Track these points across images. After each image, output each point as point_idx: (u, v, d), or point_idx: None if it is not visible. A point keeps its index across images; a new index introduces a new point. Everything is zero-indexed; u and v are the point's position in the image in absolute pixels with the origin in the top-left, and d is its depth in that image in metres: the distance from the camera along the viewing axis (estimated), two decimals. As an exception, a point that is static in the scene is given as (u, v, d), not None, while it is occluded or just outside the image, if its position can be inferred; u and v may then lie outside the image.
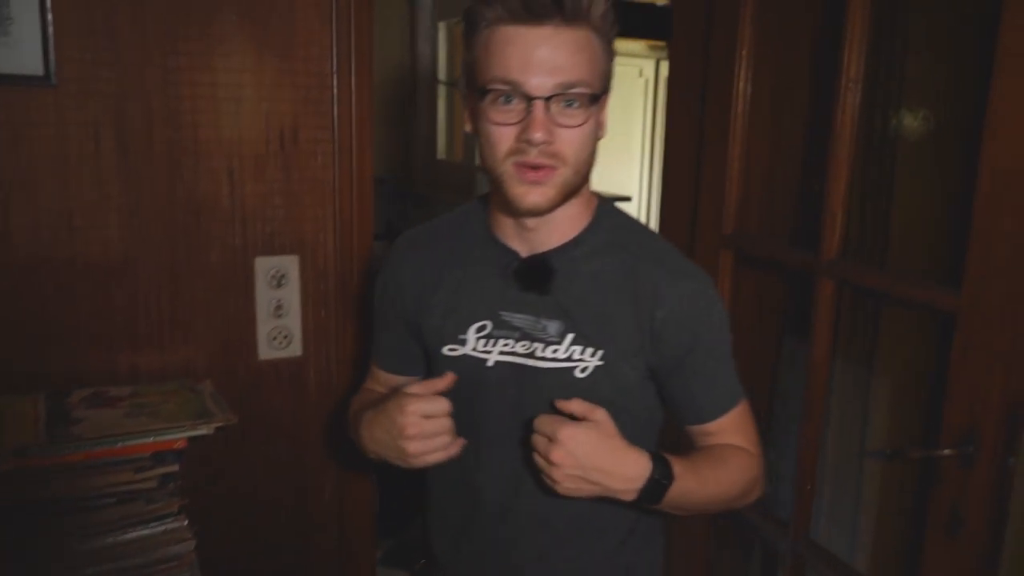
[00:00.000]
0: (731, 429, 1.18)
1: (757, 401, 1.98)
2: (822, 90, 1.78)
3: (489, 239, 1.15)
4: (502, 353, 1.13)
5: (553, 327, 1.11)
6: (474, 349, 1.14)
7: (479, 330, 1.14)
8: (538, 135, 0.97)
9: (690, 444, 1.21)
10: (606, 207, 1.16)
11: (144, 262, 1.45)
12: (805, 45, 1.84)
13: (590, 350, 1.10)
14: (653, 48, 5.14)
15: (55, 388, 1.39)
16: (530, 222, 1.09)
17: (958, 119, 1.51)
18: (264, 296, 1.55)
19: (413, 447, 1.07)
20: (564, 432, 1.00)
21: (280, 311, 1.57)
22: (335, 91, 1.54)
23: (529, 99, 0.98)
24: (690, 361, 1.13)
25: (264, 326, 1.56)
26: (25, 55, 1.31)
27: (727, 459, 1.16)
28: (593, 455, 1.00)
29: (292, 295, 1.57)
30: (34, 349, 1.40)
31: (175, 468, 1.28)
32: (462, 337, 1.15)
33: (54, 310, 1.40)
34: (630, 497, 1.03)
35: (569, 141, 1.01)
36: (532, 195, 1.01)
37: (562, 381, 1.10)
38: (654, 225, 2.06)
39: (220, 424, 1.29)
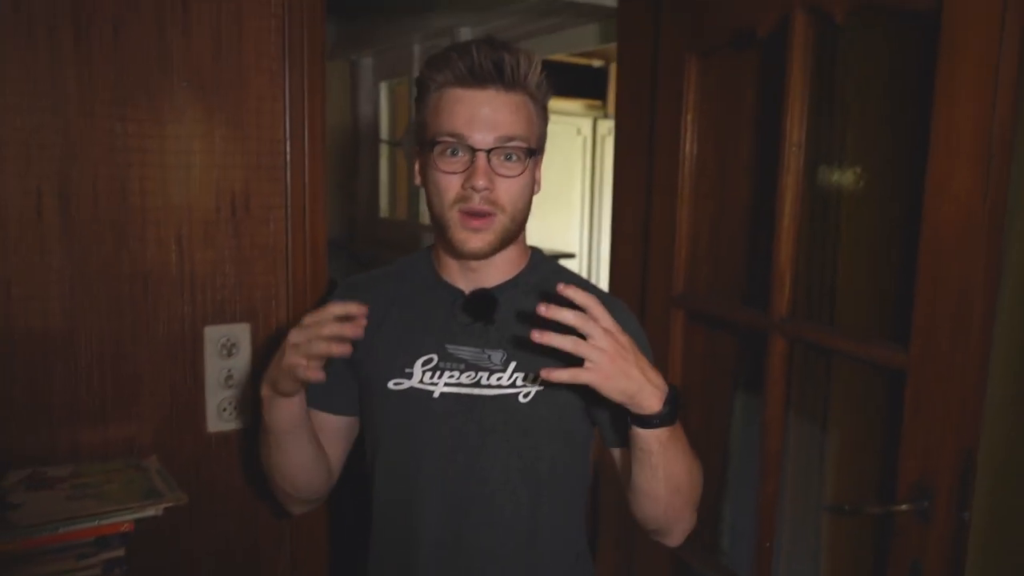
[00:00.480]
0: None
1: (711, 457, 1.99)
2: (765, 151, 1.84)
3: (435, 280, 1.25)
4: (448, 384, 1.19)
5: (497, 356, 1.19)
6: (420, 382, 1.20)
7: (425, 363, 1.20)
8: (481, 182, 1.10)
9: (612, 468, 1.27)
10: (539, 256, 1.30)
11: (87, 332, 1.39)
12: (747, 107, 1.90)
13: (532, 375, 1.18)
14: (590, 107, 5.27)
15: (-14, 469, 1.32)
16: (473, 263, 1.20)
17: (898, 177, 1.57)
18: (214, 366, 1.50)
19: (294, 337, 1.10)
20: (615, 325, 1.03)
21: (230, 381, 1.51)
22: (288, 157, 1.52)
23: (473, 151, 1.11)
24: None
25: (213, 397, 1.51)
26: (-36, 122, 1.26)
27: None
28: (636, 350, 1.05)
29: (243, 364, 1.52)
30: (-35, 428, 1.32)
31: (120, 553, 1.22)
32: (408, 371, 1.21)
33: (-12, 386, 1.33)
34: (656, 403, 1.05)
35: (507, 190, 1.13)
36: (474, 240, 1.14)
37: (506, 406, 1.18)
38: (604, 284, 2.09)
39: (169, 504, 1.23)
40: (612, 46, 3.02)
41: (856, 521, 1.57)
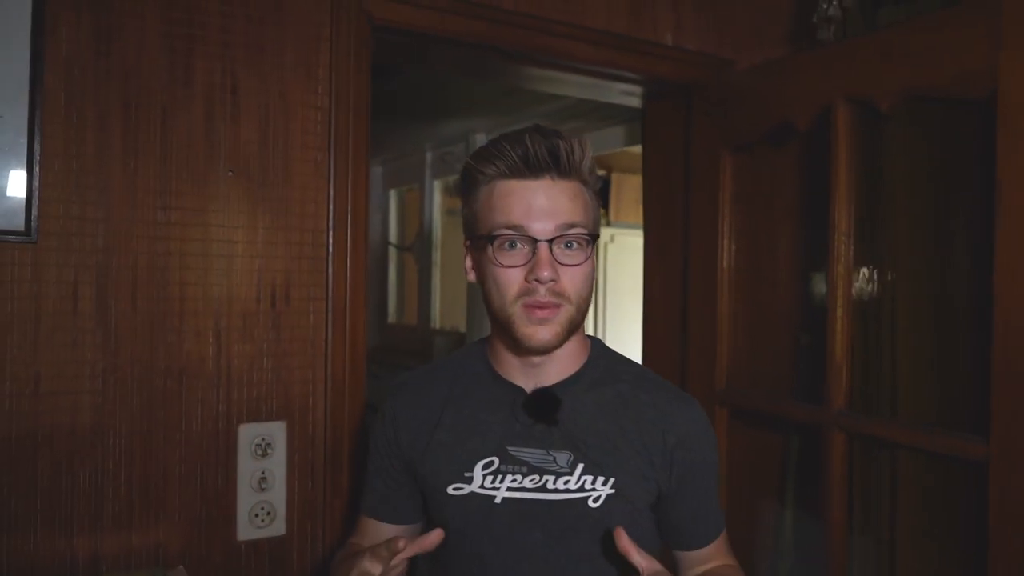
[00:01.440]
0: (722, 552, 1.19)
1: (760, 562, 1.87)
2: (809, 243, 1.82)
3: (493, 378, 1.16)
4: (510, 489, 1.11)
5: (563, 458, 1.10)
6: (481, 486, 1.12)
7: (486, 466, 1.12)
8: (545, 273, 1.03)
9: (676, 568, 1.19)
10: (599, 345, 1.22)
11: (116, 431, 1.30)
12: (788, 200, 1.89)
13: (601, 479, 1.10)
14: (593, 215, 5.35)
15: (0, 584, 1.20)
16: (536, 359, 1.12)
17: (955, 262, 1.54)
18: (247, 467, 1.40)
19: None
20: None
21: (264, 484, 1.42)
22: (330, 248, 1.48)
23: (535, 242, 1.04)
24: (692, 483, 1.14)
25: (245, 501, 1.40)
26: (6, 208, 1.22)
27: None
28: None
29: (277, 466, 1.43)
30: (-22, 537, 1.21)
31: (147, 677, 1.09)
32: (468, 475, 1.12)
33: (4, 491, 1.23)
34: None
35: (572, 280, 1.06)
36: (541, 333, 1.06)
37: (576, 512, 1.09)
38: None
39: (205, 620, 1.12)
40: (613, 154, 3.08)
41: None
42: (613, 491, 1.09)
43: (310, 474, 1.46)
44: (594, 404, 1.13)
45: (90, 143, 1.29)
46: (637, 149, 2.25)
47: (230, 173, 1.40)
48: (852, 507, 1.60)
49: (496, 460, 1.11)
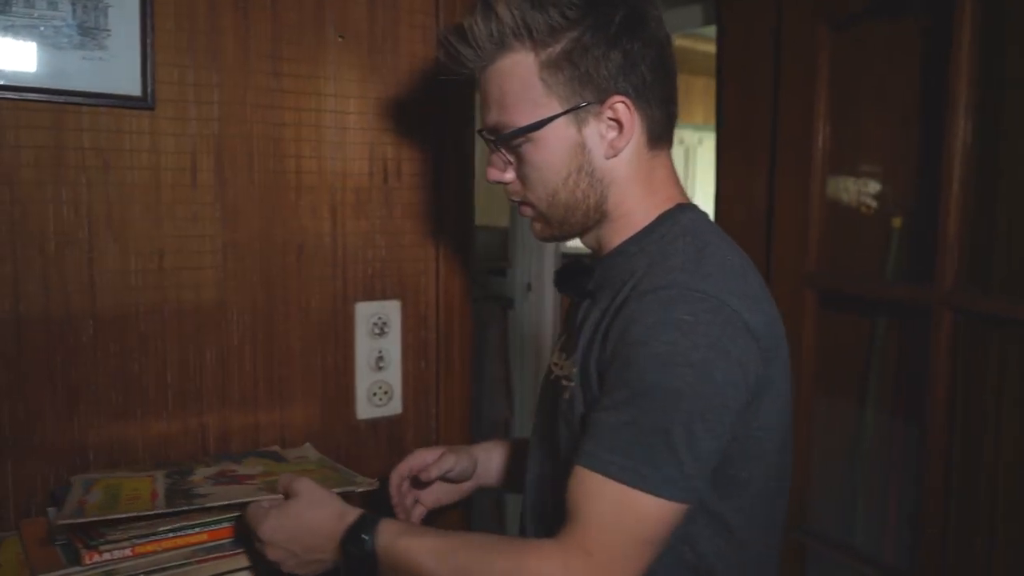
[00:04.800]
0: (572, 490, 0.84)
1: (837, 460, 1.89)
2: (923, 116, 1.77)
3: None
4: (554, 364, 1.05)
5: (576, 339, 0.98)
6: (552, 361, 1.07)
7: (560, 342, 1.07)
8: (488, 176, 0.98)
9: None
10: (668, 219, 0.95)
11: (239, 309, 1.27)
12: (895, 80, 1.82)
13: (575, 370, 0.94)
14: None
15: (132, 458, 1.19)
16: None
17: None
18: (365, 346, 1.38)
19: None
20: (262, 531, 0.96)
21: (381, 363, 1.39)
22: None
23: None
24: (608, 372, 0.87)
25: (364, 380, 1.38)
26: (122, 72, 1.14)
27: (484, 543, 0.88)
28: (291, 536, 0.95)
29: (393, 345, 1.41)
30: (111, 414, 1.18)
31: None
32: (556, 347, 1.08)
33: (137, 367, 1.20)
34: (331, 556, 0.94)
35: (522, 179, 0.97)
36: (532, 228, 1.02)
37: (557, 404, 0.98)
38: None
39: (364, 489, 1.11)
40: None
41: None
42: (573, 383, 0.94)
43: (423, 354, 1.44)
44: (610, 283, 0.95)
45: (201, 4, 1.20)
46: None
47: (340, 39, 1.32)
48: (955, 392, 1.60)
49: (565, 336, 1.05)
